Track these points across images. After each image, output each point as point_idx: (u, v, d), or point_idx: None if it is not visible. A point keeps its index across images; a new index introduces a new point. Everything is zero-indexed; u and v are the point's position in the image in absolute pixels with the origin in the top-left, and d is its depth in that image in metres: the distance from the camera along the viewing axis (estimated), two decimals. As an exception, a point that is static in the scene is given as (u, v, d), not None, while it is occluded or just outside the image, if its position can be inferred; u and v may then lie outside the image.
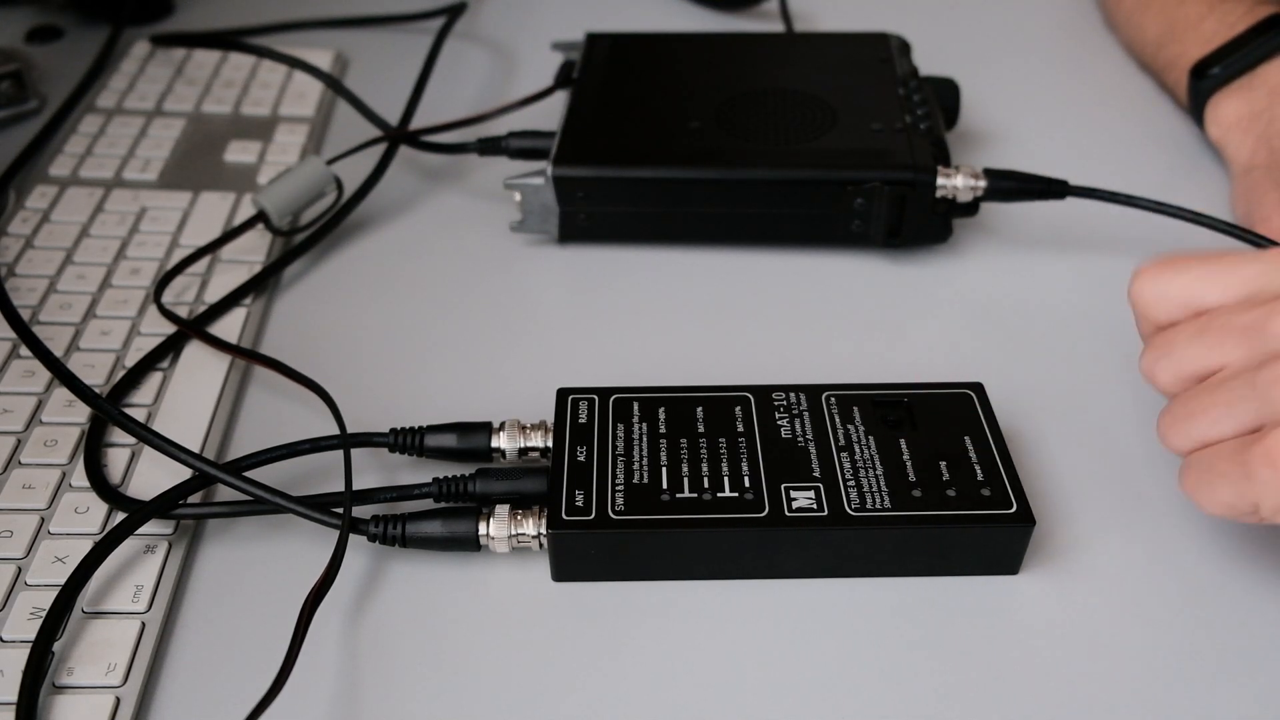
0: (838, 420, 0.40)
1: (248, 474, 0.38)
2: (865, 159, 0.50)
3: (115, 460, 0.41)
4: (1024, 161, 0.52)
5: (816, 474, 0.38)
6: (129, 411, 0.42)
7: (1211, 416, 0.34)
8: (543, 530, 0.37)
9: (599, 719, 0.34)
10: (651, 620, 0.37)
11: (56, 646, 0.35)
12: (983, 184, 0.49)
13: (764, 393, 0.41)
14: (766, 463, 0.38)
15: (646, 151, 0.51)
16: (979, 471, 0.38)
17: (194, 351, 0.46)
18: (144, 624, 0.36)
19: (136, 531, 0.37)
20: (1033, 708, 0.34)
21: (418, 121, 0.58)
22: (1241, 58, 0.55)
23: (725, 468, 0.38)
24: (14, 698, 0.33)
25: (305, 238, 0.52)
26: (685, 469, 0.38)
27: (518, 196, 0.51)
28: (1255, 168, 0.52)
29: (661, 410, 0.40)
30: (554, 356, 0.47)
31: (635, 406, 0.41)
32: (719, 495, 0.37)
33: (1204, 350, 0.34)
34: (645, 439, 0.39)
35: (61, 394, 0.43)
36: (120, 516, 0.38)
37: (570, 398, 0.41)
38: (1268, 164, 0.52)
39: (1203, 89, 0.56)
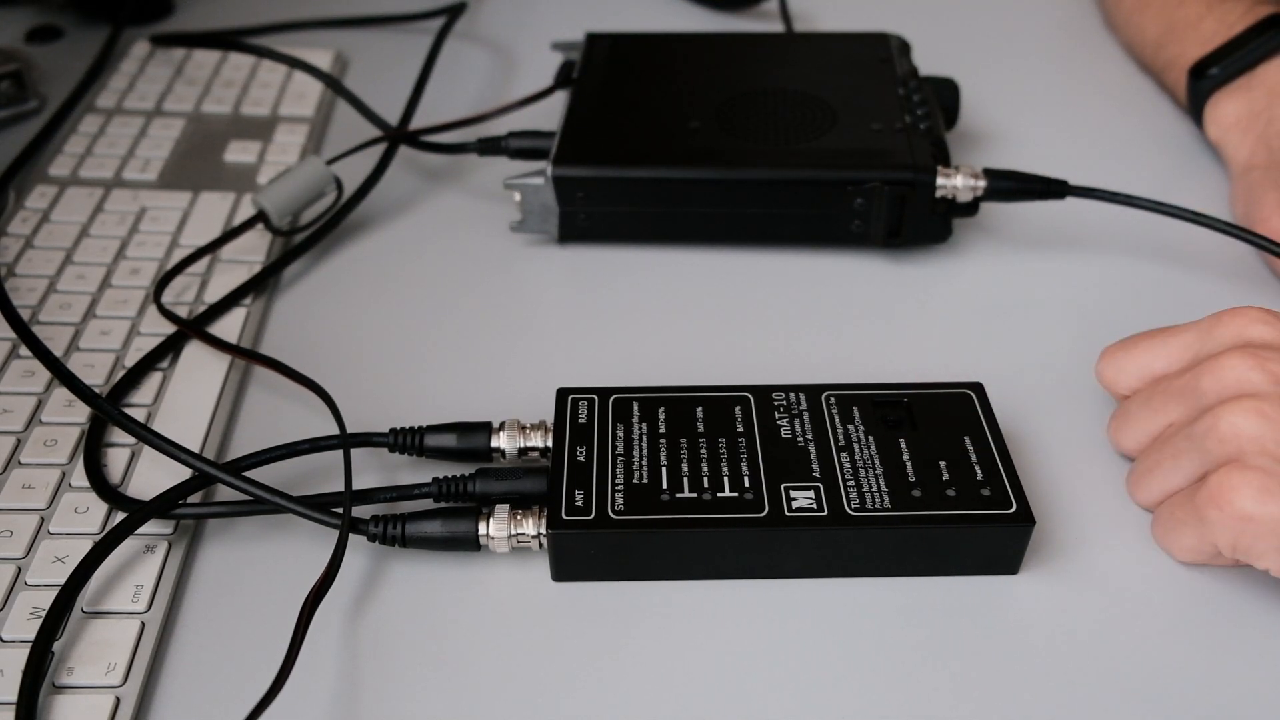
0: (837, 420, 0.40)
1: (248, 474, 0.38)
2: (865, 159, 0.50)
3: (115, 460, 0.41)
4: (1024, 161, 0.52)
5: (816, 474, 0.38)
6: (129, 411, 0.42)
7: (1164, 469, 0.38)
8: (543, 530, 0.37)
9: (599, 719, 0.34)
10: (651, 620, 0.37)
11: (56, 646, 0.35)
12: (982, 184, 0.49)
13: (764, 393, 0.41)
14: (766, 463, 0.38)
15: (646, 151, 0.51)
16: (979, 471, 0.38)
17: (194, 351, 0.46)
18: (144, 624, 0.36)
19: (136, 531, 0.37)
20: (1033, 708, 0.34)
21: (418, 121, 0.58)
22: (1240, 58, 0.55)
23: (725, 468, 0.38)
24: (14, 698, 0.33)
25: (305, 238, 0.52)
26: (685, 469, 0.38)
27: (518, 196, 0.51)
28: (1254, 168, 0.52)
29: (661, 410, 0.40)
30: (554, 356, 0.47)
31: (635, 406, 0.41)
32: (719, 495, 0.37)
33: (1152, 413, 0.39)
34: (645, 439, 0.39)
35: (61, 394, 0.43)
36: (120, 516, 0.38)
37: (570, 398, 0.41)
38: (1267, 164, 0.52)
39: (1201, 89, 0.56)
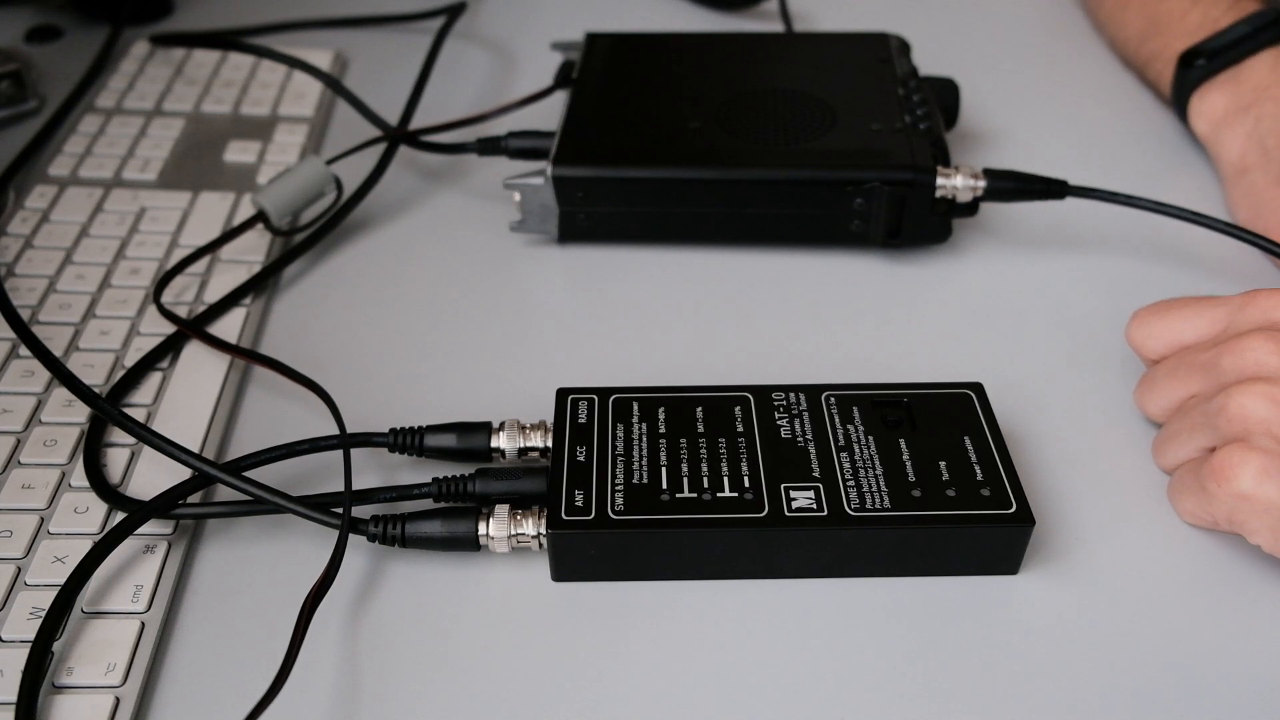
0: (837, 420, 0.40)
1: (247, 474, 0.38)
2: (865, 159, 0.50)
3: (115, 460, 0.41)
4: (1024, 161, 0.52)
5: (816, 474, 0.38)
6: (129, 411, 0.42)
7: (1180, 439, 0.40)
8: (542, 530, 0.37)
9: (599, 719, 0.34)
10: (651, 620, 0.37)
11: (56, 646, 0.35)
12: (982, 184, 0.49)
13: (764, 393, 0.41)
14: (766, 463, 0.38)
15: (646, 152, 0.51)
16: (978, 471, 0.38)
17: (193, 351, 0.46)
18: (143, 624, 0.36)
19: (136, 531, 0.37)
20: (1033, 708, 0.34)
21: (417, 121, 0.58)
22: (1228, 52, 0.55)
23: (725, 468, 0.38)
24: (14, 698, 0.33)
25: (305, 238, 0.52)
26: (685, 469, 0.38)
27: (517, 196, 0.51)
28: (1250, 170, 0.52)
29: (661, 410, 0.40)
30: (554, 356, 0.47)
31: (635, 406, 0.41)
32: (719, 495, 0.37)
33: (1176, 383, 0.41)
34: (645, 439, 0.39)
35: (61, 394, 0.43)
36: (120, 516, 0.38)
37: (570, 398, 0.41)
38: (1262, 166, 0.52)
39: (1188, 79, 0.56)
